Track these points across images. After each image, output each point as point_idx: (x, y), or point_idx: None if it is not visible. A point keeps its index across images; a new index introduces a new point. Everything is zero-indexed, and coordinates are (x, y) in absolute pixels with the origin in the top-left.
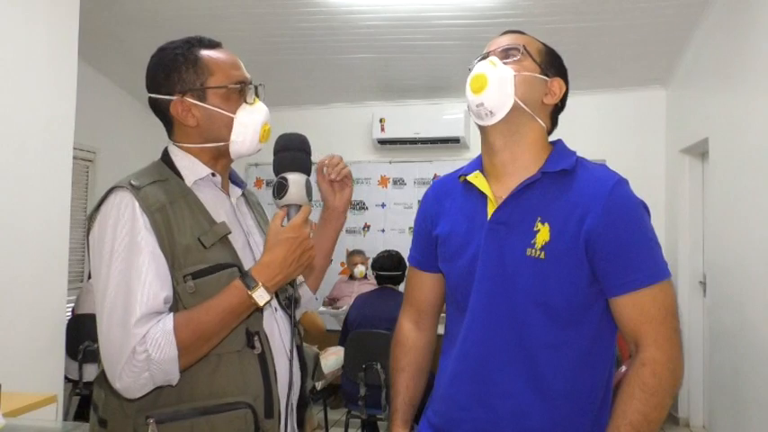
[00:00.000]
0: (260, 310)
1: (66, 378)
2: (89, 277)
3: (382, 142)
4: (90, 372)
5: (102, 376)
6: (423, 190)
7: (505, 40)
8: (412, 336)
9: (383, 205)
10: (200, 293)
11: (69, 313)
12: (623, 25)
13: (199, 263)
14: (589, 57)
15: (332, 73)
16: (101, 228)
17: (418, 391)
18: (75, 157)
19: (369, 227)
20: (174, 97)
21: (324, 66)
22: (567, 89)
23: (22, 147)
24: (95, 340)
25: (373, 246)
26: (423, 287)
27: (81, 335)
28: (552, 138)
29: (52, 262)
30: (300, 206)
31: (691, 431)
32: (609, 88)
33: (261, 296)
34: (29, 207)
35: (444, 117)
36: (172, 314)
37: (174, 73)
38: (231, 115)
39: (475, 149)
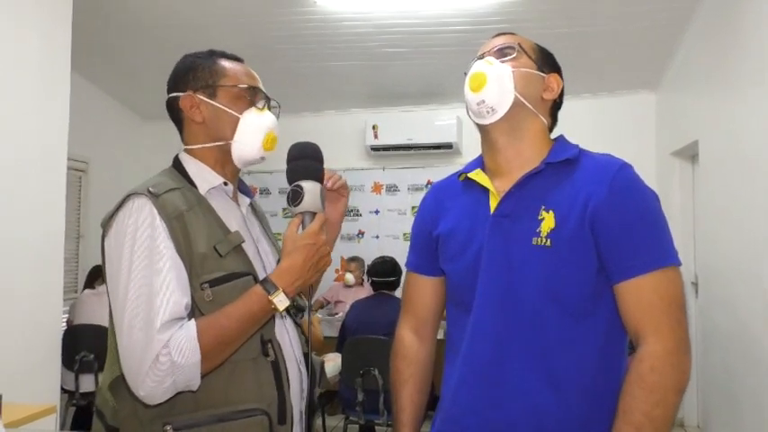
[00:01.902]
0: (279, 315)
1: (61, 389)
2: (85, 287)
3: (375, 149)
4: (86, 382)
5: (113, 383)
6: (416, 196)
7: (499, 41)
8: (414, 347)
9: (377, 212)
10: (217, 301)
11: (64, 324)
12: (613, 30)
13: (215, 271)
14: (580, 62)
15: (324, 80)
16: (118, 234)
17: (423, 403)
18: (67, 168)
19: (363, 233)
20: (183, 93)
21: (316, 73)
22: (563, 87)
23: (17, 158)
24: (91, 351)
25: (368, 252)
26: (422, 292)
27: (77, 345)
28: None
29: (47, 272)
30: (314, 213)
31: (685, 431)
32: (599, 92)
33: (281, 301)
34: (23, 218)
35: (437, 123)
36: (193, 320)
37: (189, 72)
38: (237, 115)
39: (467, 155)
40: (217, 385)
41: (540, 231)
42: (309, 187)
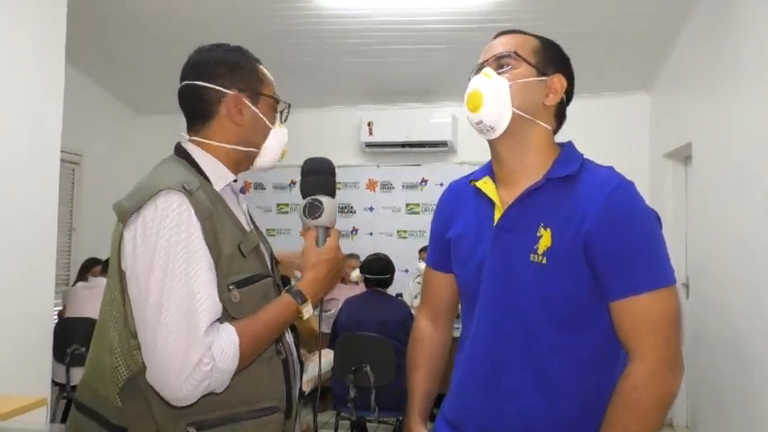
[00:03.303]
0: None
1: (52, 381)
2: (77, 280)
3: (370, 146)
4: (77, 375)
5: (126, 385)
6: (410, 193)
7: (498, 47)
8: (428, 332)
9: (371, 209)
10: (244, 303)
11: (56, 317)
12: (608, 31)
13: (240, 272)
14: (574, 62)
15: (320, 76)
16: (150, 229)
17: (435, 388)
18: (61, 160)
19: (357, 230)
20: (231, 91)
21: (312, 69)
22: (573, 80)
23: (10, 150)
24: (83, 344)
25: (361, 249)
26: (438, 286)
27: (68, 338)
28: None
29: (39, 265)
30: (328, 228)
31: (674, 431)
32: (594, 93)
33: (308, 311)
34: (16, 210)
35: (432, 121)
36: (229, 324)
37: (237, 70)
38: (270, 126)
39: (462, 154)
40: (235, 384)
41: (537, 248)
42: (328, 203)
